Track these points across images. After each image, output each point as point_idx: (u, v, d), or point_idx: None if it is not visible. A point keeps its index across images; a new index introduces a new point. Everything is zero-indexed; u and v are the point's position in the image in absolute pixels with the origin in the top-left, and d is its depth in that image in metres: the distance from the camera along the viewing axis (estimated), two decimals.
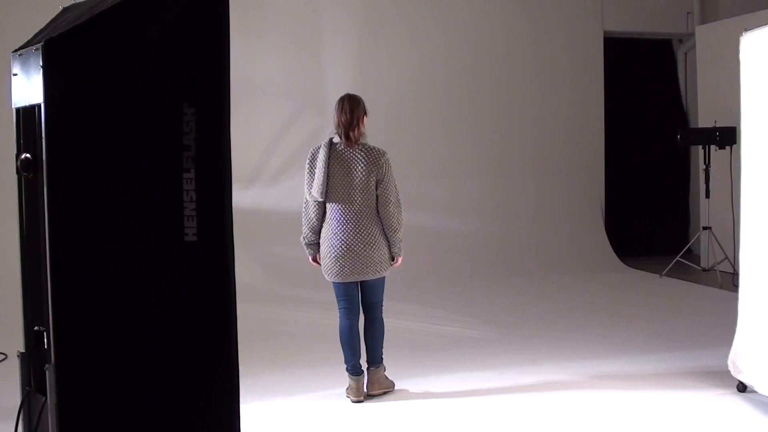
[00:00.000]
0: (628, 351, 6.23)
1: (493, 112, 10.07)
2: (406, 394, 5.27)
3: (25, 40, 3.24)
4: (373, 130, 5.38)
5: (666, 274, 9.27)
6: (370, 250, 5.01)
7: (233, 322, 3.00)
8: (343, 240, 5.01)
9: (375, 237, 5.03)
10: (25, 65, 2.98)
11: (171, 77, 2.87)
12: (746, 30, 5.02)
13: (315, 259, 5.22)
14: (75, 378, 2.80)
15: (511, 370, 5.79)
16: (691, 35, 10.61)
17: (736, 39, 5.13)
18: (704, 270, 9.38)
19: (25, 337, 3.18)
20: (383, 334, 5.23)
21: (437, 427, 4.78)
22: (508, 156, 10.13)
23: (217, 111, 2.93)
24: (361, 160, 4.98)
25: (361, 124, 5.03)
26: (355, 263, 5.02)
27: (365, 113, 5.10)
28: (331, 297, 5.32)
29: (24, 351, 3.19)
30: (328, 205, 5.06)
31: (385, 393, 5.24)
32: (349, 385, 5.19)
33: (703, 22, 10.50)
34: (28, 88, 2.94)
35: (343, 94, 5.16)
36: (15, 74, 3.09)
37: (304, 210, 5.16)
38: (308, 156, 5.11)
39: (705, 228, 9.26)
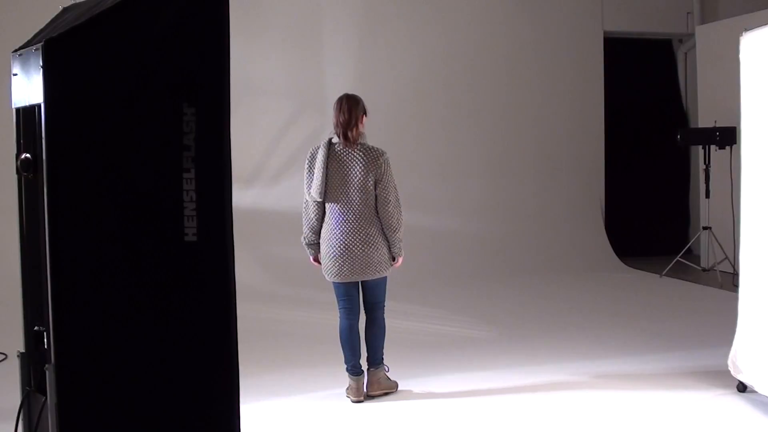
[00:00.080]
0: (628, 351, 6.23)
1: (493, 112, 10.07)
2: (406, 394, 5.27)
3: (25, 40, 3.24)
4: (372, 130, 5.38)
5: (666, 274, 9.27)
6: (368, 250, 5.01)
7: (233, 322, 3.00)
8: (341, 240, 5.01)
9: (374, 237, 5.02)
10: (25, 65, 2.98)
11: (171, 77, 2.87)
12: (746, 30, 5.02)
13: (316, 259, 5.22)
14: (75, 378, 2.80)
15: (511, 370, 5.79)
16: (691, 35, 10.61)
17: (736, 39, 5.13)
18: (704, 270, 9.38)
19: (25, 337, 3.18)
20: (384, 334, 5.23)
21: (437, 427, 4.78)
22: (508, 156, 10.13)
23: (217, 111, 2.93)
24: (359, 160, 4.98)
25: (360, 124, 5.02)
26: (354, 263, 5.02)
27: (365, 113, 5.10)
28: (331, 297, 5.32)
29: (24, 351, 3.19)
30: (327, 205, 5.06)
31: (386, 394, 5.23)
32: (349, 385, 5.19)
33: (703, 22, 10.50)
34: (28, 88, 2.94)
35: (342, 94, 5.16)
36: (15, 74, 3.09)
37: (304, 210, 5.16)
38: (307, 156, 5.11)
39: (705, 228, 9.26)
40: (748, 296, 4.96)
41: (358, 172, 4.97)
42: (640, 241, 10.77)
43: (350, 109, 5.01)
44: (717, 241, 9.02)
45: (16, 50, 3.11)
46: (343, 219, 5.01)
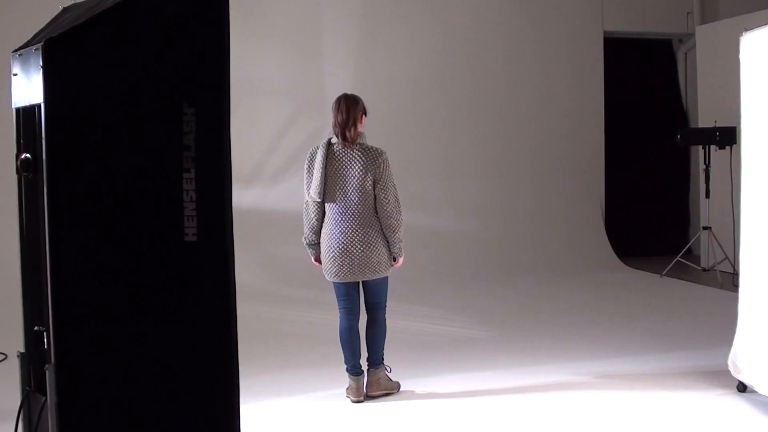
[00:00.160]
0: (628, 351, 6.23)
1: (493, 112, 10.07)
2: (406, 395, 5.27)
3: (25, 40, 3.24)
4: (372, 130, 5.38)
5: (666, 274, 9.27)
6: (367, 250, 5.00)
7: (233, 322, 3.00)
8: (340, 240, 5.02)
9: (373, 237, 5.02)
10: (25, 65, 2.98)
11: (171, 77, 2.87)
12: (746, 30, 5.02)
13: (317, 259, 5.22)
14: (75, 378, 2.80)
15: (511, 370, 5.79)
16: (691, 35, 10.62)
17: (736, 39, 5.13)
18: (704, 270, 9.38)
19: (25, 337, 3.18)
20: (384, 335, 5.23)
21: (437, 427, 4.78)
22: (508, 156, 10.13)
23: (217, 111, 2.93)
24: (358, 160, 4.97)
25: (358, 124, 5.02)
26: (353, 263, 5.02)
27: (364, 113, 5.10)
28: (331, 297, 5.32)
29: (24, 351, 3.19)
30: (326, 206, 5.06)
31: (386, 394, 5.23)
32: (349, 386, 5.19)
33: (703, 22, 10.50)
34: (28, 88, 2.94)
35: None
36: (15, 74, 3.09)
37: (304, 210, 5.16)
38: (307, 156, 5.11)
39: (705, 228, 9.26)
40: (748, 296, 4.96)
41: (356, 172, 4.97)
42: (640, 241, 10.77)
43: (348, 108, 5.01)
44: (717, 241, 9.02)
45: (16, 50, 3.11)
46: (342, 219, 5.01)
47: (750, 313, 4.94)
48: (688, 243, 10.08)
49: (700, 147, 9.26)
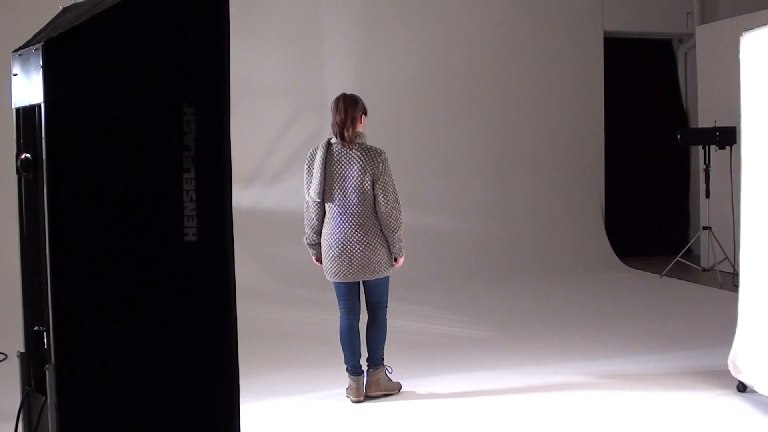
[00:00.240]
0: (628, 351, 6.23)
1: (493, 112, 10.07)
2: (406, 395, 5.27)
3: (25, 40, 3.24)
4: (372, 130, 5.38)
5: (666, 274, 9.27)
6: (367, 250, 5.00)
7: (233, 322, 3.00)
8: (340, 240, 5.01)
9: (372, 237, 5.02)
10: (25, 65, 2.98)
11: (171, 77, 2.87)
12: (746, 30, 5.02)
13: (318, 259, 5.22)
14: (75, 378, 2.80)
15: (510, 370, 5.79)
16: (691, 35, 10.62)
17: (736, 39, 5.13)
18: (704, 270, 9.38)
19: (25, 337, 3.18)
20: (385, 336, 5.22)
21: (437, 427, 4.78)
22: (508, 156, 10.13)
23: (217, 111, 2.93)
24: (356, 160, 4.97)
25: (357, 124, 5.01)
26: (352, 264, 5.01)
27: (364, 113, 5.09)
28: (331, 297, 5.32)
29: (24, 351, 3.19)
30: (326, 206, 5.06)
31: (386, 395, 5.22)
32: (349, 386, 5.19)
33: (703, 22, 10.50)
34: (28, 88, 2.94)
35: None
36: (15, 74, 3.09)
37: (305, 210, 5.16)
38: (307, 156, 5.11)
39: (705, 228, 9.26)
40: (748, 296, 4.96)
41: (355, 172, 4.97)
42: (640, 241, 10.77)
43: (346, 108, 5.00)
44: (717, 241, 9.02)
45: (16, 50, 3.11)
46: (341, 219, 5.01)
47: (750, 313, 4.94)
48: (688, 243, 10.08)
49: (700, 147, 9.26)
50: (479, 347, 6.43)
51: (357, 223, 5.00)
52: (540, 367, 5.84)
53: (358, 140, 5.02)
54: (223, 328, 2.98)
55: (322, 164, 4.99)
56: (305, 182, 5.10)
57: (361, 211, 5.00)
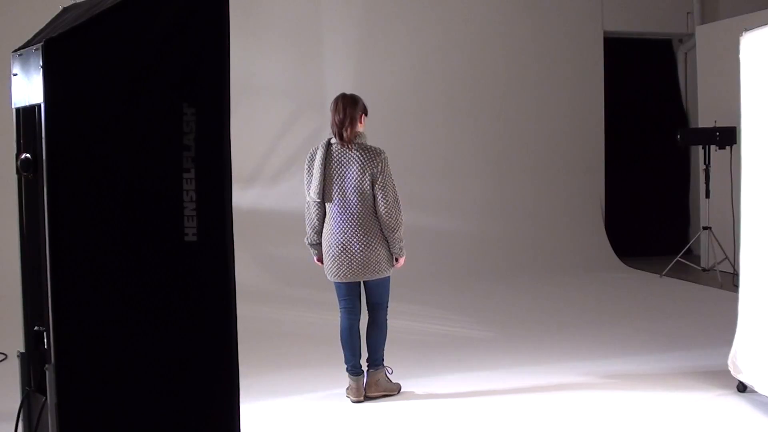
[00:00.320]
0: (628, 351, 6.23)
1: (493, 112, 10.07)
2: (406, 395, 5.27)
3: (25, 40, 3.24)
4: (372, 130, 5.38)
5: (666, 274, 9.27)
6: (366, 250, 5.00)
7: (233, 322, 3.00)
8: (339, 240, 5.01)
9: (372, 237, 5.01)
10: (25, 65, 2.98)
11: (171, 77, 2.87)
12: (746, 30, 5.02)
13: (320, 259, 5.22)
14: (75, 378, 2.80)
15: (511, 370, 5.78)
16: (691, 35, 10.62)
17: (736, 39, 5.13)
18: (704, 270, 9.38)
19: (25, 337, 3.18)
20: (385, 336, 5.22)
21: (437, 427, 4.78)
22: (508, 156, 10.13)
23: (217, 111, 2.93)
24: (355, 160, 4.97)
25: (357, 123, 5.01)
26: (352, 264, 5.01)
27: (364, 113, 5.09)
28: (331, 297, 5.32)
29: (24, 351, 3.19)
30: (327, 206, 5.06)
31: (385, 396, 5.22)
32: (349, 385, 5.19)
33: (703, 22, 10.50)
34: (28, 88, 2.94)
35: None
36: (15, 74, 3.09)
37: (306, 210, 5.16)
38: (307, 156, 5.11)
39: (705, 228, 9.26)
40: (748, 296, 4.96)
41: (354, 172, 4.96)
42: (640, 241, 10.77)
43: (345, 108, 5.00)
44: (717, 241, 9.02)
45: (16, 50, 3.11)
46: (341, 219, 5.01)
47: (750, 313, 4.94)
48: (688, 243, 10.08)
49: (700, 147, 9.26)
50: (479, 347, 6.43)
51: (357, 223, 5.00)
52: (540, 367, 5.84)
53: (358, 140, 5.01)
54: (223, 328, 2.98)
55: (321, 164, 4.99)
56: (305, 182, 5.10)
57: (361, 211, 4.99)
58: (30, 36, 3.27)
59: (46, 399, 2.86)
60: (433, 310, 7.84)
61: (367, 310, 5.20)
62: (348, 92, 5.14)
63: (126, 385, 2.86)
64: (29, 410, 3.16)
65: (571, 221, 10.20)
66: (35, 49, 2.82)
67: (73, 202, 2.77)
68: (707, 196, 9.12)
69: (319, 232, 5.14)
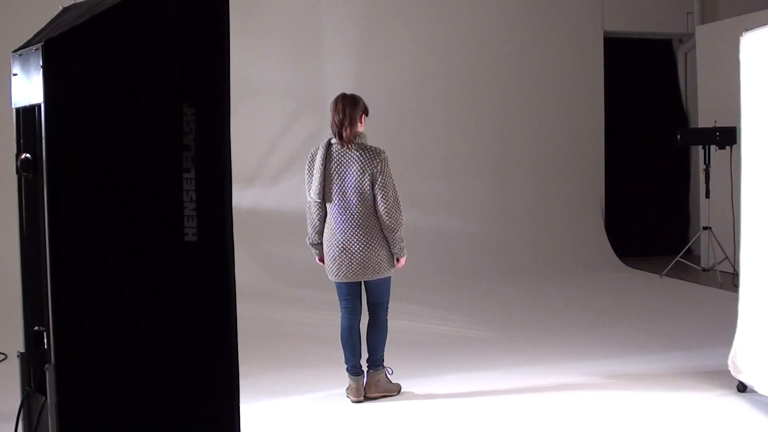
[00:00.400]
0: (628, 351, 6.23)
1: (493, 112, 10.07)
2: (407, 395, 5.27)
3: (25, 40, 3.24)
4: (372, 130, 5.38)
5: (666, 274, 9.27)
6: (366, 250, 5.00)
7: (233, 322, 3.00)
8: (340, 240, 5.01)
9: (373, 237, 5.01)
10: (25, 65, 2.98)
11: (171, 77, 2.87)
12: (746, 30, 5.02)
13: (321, 259, 5.22)
14: (75, 378, 2.80)
15: (511, 370, 5.78)
16: (691, 35, 10.62)
17: (736, 39, 5.13)
18: (704, 270, 9.38)
19: (25, 337, 3.18)
20: (385, 337, 5.21)
21: (437, 427, 4.78)
22: (508, 156, 10.13)
23: (217, 111, 2.93)
24: (355, 160, 4.97)
25: (357, 123, 5.01)
26: (352, 264, 5.01)
27: (365, 113, 5.09)
28: (331, 297, 5.32)
29: (24, 351, 3.19)
30: (327, 206, 5.06)
31: (385, 396, 5.22)
32: (349, 386, 5.19)
33: (703, 22, 10.50)
34: (28, 88, 2.94)
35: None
36: (15, 74, 3.09)
37: (307, 210, 5.16)
38: (308, 157, 5.11)
39: (705, 228, 9.26)
40: (748, 296, 4.96)
41: (354, 173, 4.96)
42: (640, 241, 10.77)
43: (345, 108, 5.00)
44: (717, 241, 9.02)
45: (16, 50, 3.11)
46: (341, 219, 5.01)
47: (750, 313, 4.94)
48: (688, 243, 10.08)
49: (700, 147, 9.26)
50: (479, 347, 6.43)
51: (357, 224, 5.00)
52: (540, 367, 5.84)
53: (358, 140, 5.01)
54: (223, 328, 2.98)
55: (321, 164, 4.99)
56: (306, 182, 5.11)
57: (361, 212, 4.99)
58: (30, 36, 3.27)
59: (46, 399, 2.86)
60: (433, 310, 7.84)
61: (368, 310, 5.20)
62: (348, 92, 5.15)
63: (126, 385, 2.86)
64: (29, 410, 3.16)
65: (571, 221, 10.20)
66: (35, 49, 2.82)
67: (73, 202, 2.77)
68: (707, 196, 9.12)
69: (320, 232, 5.14)
